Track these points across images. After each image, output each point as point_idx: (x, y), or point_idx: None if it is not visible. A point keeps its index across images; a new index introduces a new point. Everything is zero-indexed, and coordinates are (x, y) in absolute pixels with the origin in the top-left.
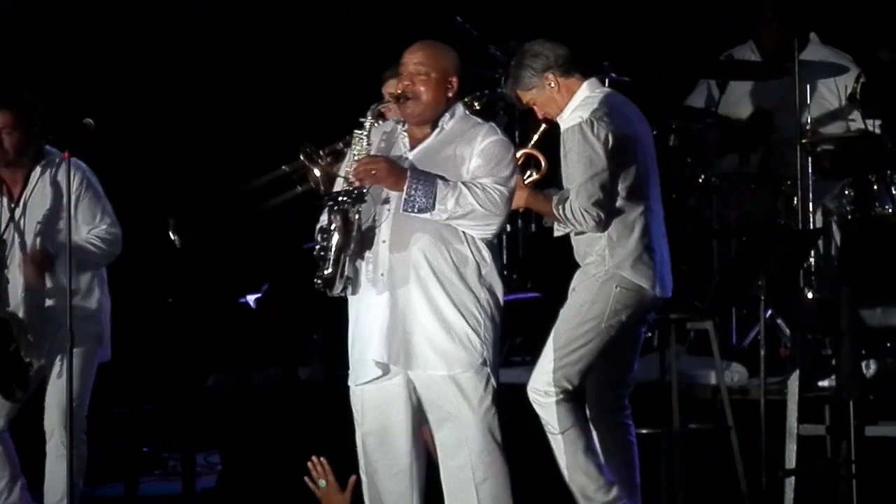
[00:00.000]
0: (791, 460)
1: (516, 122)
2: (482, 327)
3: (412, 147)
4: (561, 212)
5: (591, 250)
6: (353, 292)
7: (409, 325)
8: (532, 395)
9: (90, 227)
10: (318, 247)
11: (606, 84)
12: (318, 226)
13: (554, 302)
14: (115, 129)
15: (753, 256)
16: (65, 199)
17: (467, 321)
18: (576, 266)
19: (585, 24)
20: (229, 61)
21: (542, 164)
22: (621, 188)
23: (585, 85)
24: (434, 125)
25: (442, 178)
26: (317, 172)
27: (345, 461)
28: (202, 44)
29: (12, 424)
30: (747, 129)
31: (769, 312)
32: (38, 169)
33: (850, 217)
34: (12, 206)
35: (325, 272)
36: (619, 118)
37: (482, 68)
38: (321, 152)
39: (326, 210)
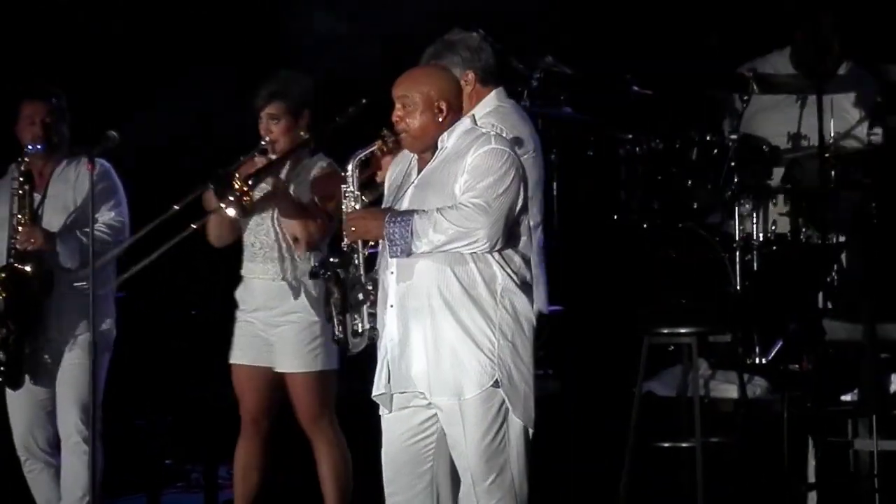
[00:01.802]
0: (813, 474)
1: None
2: (496, 348)
3: (419, 172)
4: None
5: None
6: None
7: (418, 353)
8: None
9: (96, 219)
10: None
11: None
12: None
13: (576, 314)
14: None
15: (776, 271)
16: (83, 202)
17: (477, 345)
18: (600, 278)
19: (608, 37)
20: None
21: None
22: None
23: (494, 94)
24: (436, 147)
25: (418, 211)
26: (230, 212)
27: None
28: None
29: None
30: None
31: (792, 326)
32: (63, 163)
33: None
34: (35, 195)
35: (336, 336)
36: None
37: (506, 81)
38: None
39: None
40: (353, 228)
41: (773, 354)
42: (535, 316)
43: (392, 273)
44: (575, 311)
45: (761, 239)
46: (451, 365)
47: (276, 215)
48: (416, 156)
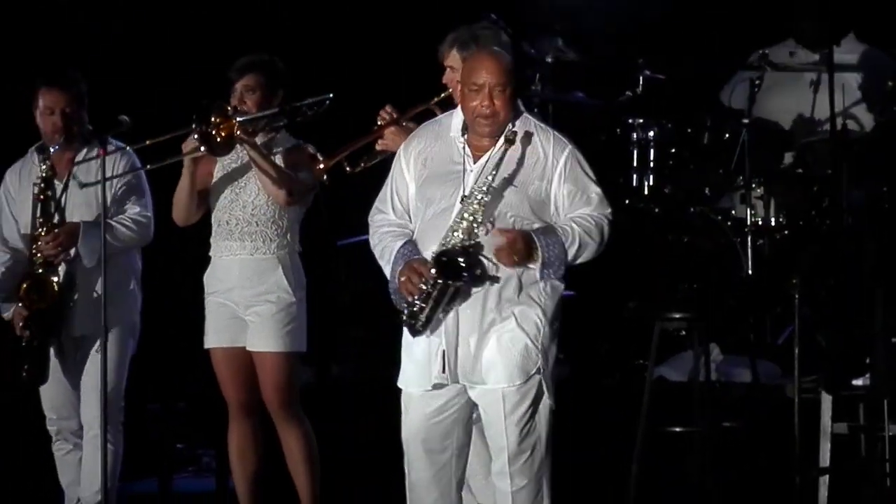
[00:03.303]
0: (825, 459)
1: None
2: (541, 335)
3: (475, 159)
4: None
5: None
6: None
7: (469, 342)
8: None
9: (123, 210)
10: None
11: (641, 82)
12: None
13: (588, 299)
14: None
15: (787, 255)
16: (100, 190)
17: (525, 331)
18: (613, 262)
19: (619, 23)
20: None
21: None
22: None
23: None
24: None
25: (551, 229)
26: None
27: (381, 461)
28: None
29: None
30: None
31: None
32: (84, 151)
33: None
34: (56, 186)
35: (420, 319)
36: None
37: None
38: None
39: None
40: (514, 257)
41: (784, 338)
42: None
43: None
44: (586, 296)
45: (773, 223)
46: (497, 351)
47: (250, 190)
48: (460, 138)
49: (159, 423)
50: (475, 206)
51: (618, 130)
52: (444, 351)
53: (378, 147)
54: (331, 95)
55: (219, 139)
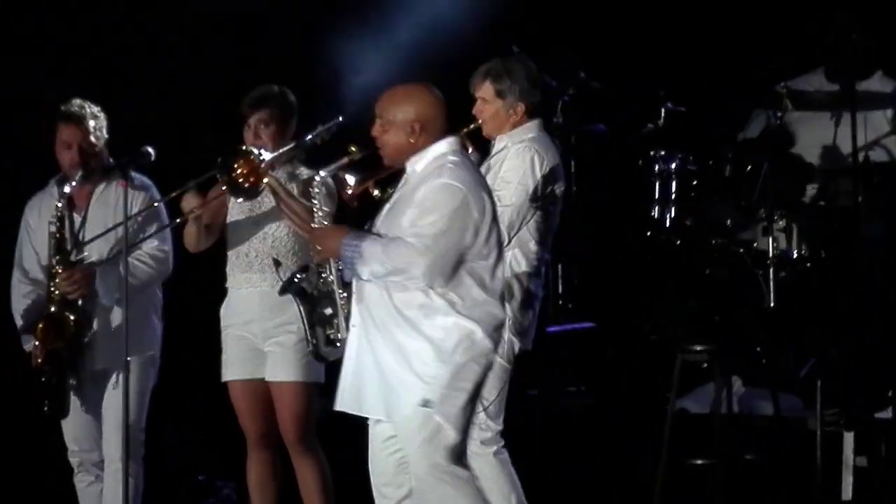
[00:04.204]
0: (847, 492)
1: None
2: (429, 369)
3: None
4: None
5: None
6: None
7: (362, 372)
8: None
9: (142, 244)
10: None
11: (662, 113)
12: None
13: (609, 330)
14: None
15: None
16: (120, 220)
17: (409, 365)
18: (635, 294)
19: (643, 55)
20: None
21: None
22: None
23: (533, 123)
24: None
25: (371, 237)
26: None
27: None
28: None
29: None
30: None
31: (825, 343)
32: (102, 185)
33: None
34: (75, 219)
35: (309, 349)
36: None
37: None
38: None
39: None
40: (318, 247)
41: (806, 371)
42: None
43: (354, 294)
44: (607, 327)
45: (795, 255)
46: (383, 385)
47: (270, 222)
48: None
49: (180, 455)
50: None
51: (639, 162)
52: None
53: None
54: (340, 119)
55: (246, 185)
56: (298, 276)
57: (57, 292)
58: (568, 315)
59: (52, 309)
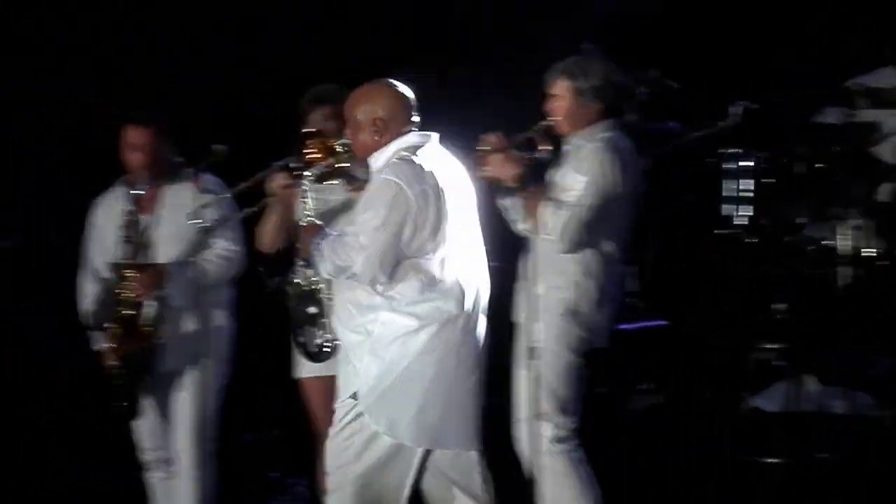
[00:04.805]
0: None
1: None
2: (363, 363)
3: None
4: (546, 215)
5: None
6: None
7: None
8: None
9: (212, 245)
10: None
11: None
12: None
13: (681, 329)
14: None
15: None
16: (195, 230)
17: (350, 358)
18: (706, 293)
19: (717, 52)
20: None
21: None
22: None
23: (608, 122)
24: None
25: (331, 236)
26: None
27: None
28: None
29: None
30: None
31: None
32: (170, 185)
33: None
34: (144, 220)
35: (298, 349)
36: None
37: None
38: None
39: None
40: (303, 245)
41: (881, 369)
42: None
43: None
44: (679, 325)
45: (868, 253)
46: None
47: (344, 221)
48: None
49: (251, 453)
50: None
51: (712, 160)
52: None
53: (481, 175)
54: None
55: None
56: (278, 275)
57: (127, 294)
58: (640, 313)
59: (123, 311)
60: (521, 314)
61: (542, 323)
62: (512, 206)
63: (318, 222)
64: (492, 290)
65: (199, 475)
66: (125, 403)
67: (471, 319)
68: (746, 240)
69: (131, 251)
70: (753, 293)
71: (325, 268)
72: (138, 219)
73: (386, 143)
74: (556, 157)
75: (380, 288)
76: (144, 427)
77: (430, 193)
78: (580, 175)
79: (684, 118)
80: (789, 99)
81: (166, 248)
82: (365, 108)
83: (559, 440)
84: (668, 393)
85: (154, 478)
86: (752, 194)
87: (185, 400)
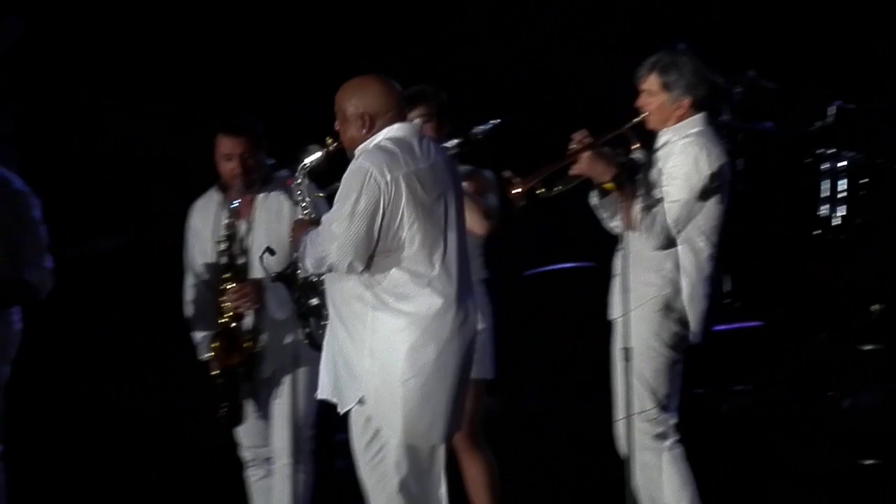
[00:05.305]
0: None
1: None
2: (363, 366)
3: None
4: (638, 211)
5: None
6: None
7: (334, 359)
8: None
9: None
10: None
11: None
12: None
13: (776, 330)
14: None
15: None
16: (286, 224)
17: (349, 361)
18: (803, 292)
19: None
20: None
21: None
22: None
23: (698, 117)
24: None
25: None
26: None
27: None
28: None
29: None
30: None
31: None
32: (265, 191)
33: None
34: (241, 227)
35: (303, 339)
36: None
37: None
38: None
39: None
40: (293, 241)
41: None
42: None
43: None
44: (775, 326)
45: None
46: (337, 376)
47: None
48: None
49: (348, 453)
50: None
51: (808, 160)
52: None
53: (572, 172)
54: (499, 121)
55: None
56: (287, 268)
57: (228, 305)
58: (735, 313)
59: (224, 323)
60: (615, 312)
61: (638, 320)
62: (602, 204)
63: (311, 217)
64: (586, 290)
65: (299, 472)
66: (228, 411)
67: (459, 311)
68: (844, 239)
69: (230, 259)
70: (850, 293)
71: (308, 262)
72: (235, 229)
73: (367, 138)
74: (646, 155)
75: (365, 281)
76: (244, 427)
77: (403, 182)
78: (672, 170)
79: (780, 118)
80: (885, 98)
81: (266, 256)
82: (354, 102)
83: (659, 437)
84: (764, 394)
85: (253, 476)
86: (846, 194)
87: (284, 402)
